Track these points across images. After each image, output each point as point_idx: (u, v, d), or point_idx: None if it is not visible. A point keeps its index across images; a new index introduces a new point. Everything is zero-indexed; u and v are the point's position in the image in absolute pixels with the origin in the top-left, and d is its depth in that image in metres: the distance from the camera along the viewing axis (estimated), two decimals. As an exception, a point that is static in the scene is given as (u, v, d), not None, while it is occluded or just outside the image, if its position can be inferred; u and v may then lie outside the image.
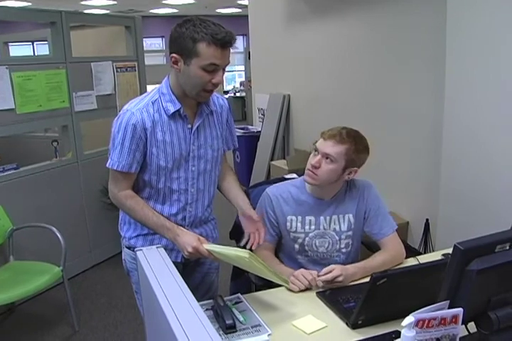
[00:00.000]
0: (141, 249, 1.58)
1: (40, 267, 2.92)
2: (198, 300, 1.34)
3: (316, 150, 1.88)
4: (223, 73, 1.67)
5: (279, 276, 1.68)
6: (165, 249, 1.74)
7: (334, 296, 1.69)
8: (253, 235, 1.81)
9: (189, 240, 1.66)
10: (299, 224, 1.96)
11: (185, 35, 1.58)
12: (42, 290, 3.01)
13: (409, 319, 1.12)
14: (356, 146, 1.84)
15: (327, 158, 1.84)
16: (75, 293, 3.17)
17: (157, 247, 1.61)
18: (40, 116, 3.36)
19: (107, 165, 1.73)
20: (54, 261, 2.90)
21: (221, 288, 2.13)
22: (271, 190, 2.01)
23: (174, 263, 1.71)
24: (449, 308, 1.22)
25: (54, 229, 2.94)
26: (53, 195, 3.50)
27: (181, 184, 1.80)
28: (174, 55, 1.63)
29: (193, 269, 1.98)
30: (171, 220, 1.79)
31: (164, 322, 1.12)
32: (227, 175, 2.00)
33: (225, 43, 1.58)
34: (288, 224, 1.97)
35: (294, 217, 1.96)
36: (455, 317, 1.19)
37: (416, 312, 1.19)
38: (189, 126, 1.76)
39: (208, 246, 1.64)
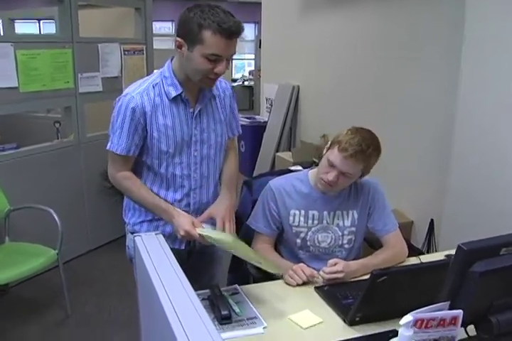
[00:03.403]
0: (139, 235, 1.57)
1: (36, 249, 2.93)
2: (200, 290, 1.36)
3: (331, 164, 1.82)
4: (228, 62, 1.67)
5: (268, 264, 1.68)
6: (169, 236, 1.78)
7: (332, 292, 1.69)
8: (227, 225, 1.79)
9: (182, 223, 1.68)
10: (302, 219, 1.96)
11: (193, 21, 1.57)
12: (36, 273, 3.03)
13: (408, 318, 1.13)
14: (375, 157, 1.84)
15: (344, 174, 1.83)
16: (70, 278, 3.17)
17: (156, 234, 1.59)
18: (43, 96, 3.36)
19: (107, 147, 1.76)
20: (50, 244, 2.91)
21: (219, 279, 2.13)
22: (274, 182, 2.00)
23: (178, 250, 1.75)
24: (449, 309, 1.22)
25: (52, 211, 2.94)
26: (53, 177, 3.51)
27: (184, 169, 1.81)
28: (179, 39, 1.63)
29: (197, 258, 1.99)
30: (175, 206, 1.80)
31: (159, 310, 1.12)
32: (228, 163, 1.98)
33: (231, 33, 1.57)
34: (291, 218, 1.97)
35: (297, 211, 1.96)
36: (455, 318, 1.19)
37: (415, 311, 1.19)
38: (191, 109, 1.77)
39: (201, 231, 1.67)
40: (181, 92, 1.73)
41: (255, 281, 1.95)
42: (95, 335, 2.84)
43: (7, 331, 2.84)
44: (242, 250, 1.67)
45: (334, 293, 1.68)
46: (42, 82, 3.32)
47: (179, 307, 1.10)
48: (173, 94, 1.72)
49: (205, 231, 1.69)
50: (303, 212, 1.96)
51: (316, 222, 1.96)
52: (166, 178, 1.82)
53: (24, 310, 3.06)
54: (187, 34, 1.60)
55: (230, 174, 1.96)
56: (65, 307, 3.04)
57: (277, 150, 5.44)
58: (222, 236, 1.68)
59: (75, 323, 2.95)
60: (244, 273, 2.05)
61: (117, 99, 1.74)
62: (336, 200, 1.96)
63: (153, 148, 1.76)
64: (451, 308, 1.22)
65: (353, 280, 1.79)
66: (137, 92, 1.70)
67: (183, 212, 1.77)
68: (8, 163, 3.22)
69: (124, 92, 1.73)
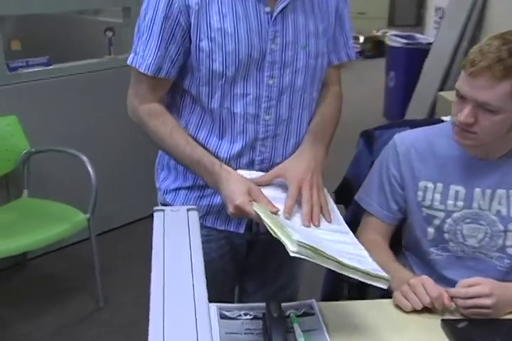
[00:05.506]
0: (162, 209, 1.49)
1: (60, 210, 3.05)
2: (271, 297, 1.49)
3: (460, 96, 1.67)
4: None
5: (371, 275, 1.43)
6: (219, 212, 1.77)
7: (471, 332, 1.53)
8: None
9: (233, 193, 1.57)
10: (438, 196, 1.83)
11: None
12: (60, 244, 3.15)
13: None
14: None
15: (481, 105, 1.62)
16: (105, 255, 3.20)
17: (188, 209, 1.49)
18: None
19: (128, 61, 1.71)
20: (79, 205, 2.95)
21: (308, 282, 2.13)
22: (402, 136, 1.92)
23: (235, 236, 1.81)
24: None
25: (85, 158, 3.01)
26: (95, 110, 3.55)
27: (249, 105, 1.70)
28: None
29: (263, 251, 1.92)
30: (231, 166, 1.72)
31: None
32: (323, 106, 1.86)
33: None
34: (420, 193, 1.85)
35: (430, 184, 1.84)
36: None
37: None
38: (267, 9, 1.63)
39: (259, 209, 1.51)
40: None
41: (350, 293, 1.92)
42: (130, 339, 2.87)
43: (15, 322, 2.95)
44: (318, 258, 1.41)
45: (473, 335, 1.51)
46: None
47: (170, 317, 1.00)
48: None
49: (265, 213, 1.49)
50: (440, 185, 1.83)
51: (460, 203, 1.81)
52: (219, 118, 1.72)
53: (41, 295, 3.17)
54: None
55: (323, 120, 1.84)
56: (96, 296, 3.14)
57: (442, 88, 5.28)
58: (284, 237, 1.41)
59: (108, 318, 3.04)
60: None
61: None
62: (498, 171, 1.80)
63: (200, 68, 1.66)
64: None
65: (509, 317, 1.60)
66: None
67: (236, 173, 1.67)
68: (34, 86, 3.26)
69: None
